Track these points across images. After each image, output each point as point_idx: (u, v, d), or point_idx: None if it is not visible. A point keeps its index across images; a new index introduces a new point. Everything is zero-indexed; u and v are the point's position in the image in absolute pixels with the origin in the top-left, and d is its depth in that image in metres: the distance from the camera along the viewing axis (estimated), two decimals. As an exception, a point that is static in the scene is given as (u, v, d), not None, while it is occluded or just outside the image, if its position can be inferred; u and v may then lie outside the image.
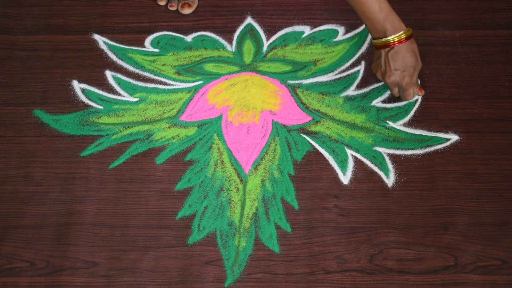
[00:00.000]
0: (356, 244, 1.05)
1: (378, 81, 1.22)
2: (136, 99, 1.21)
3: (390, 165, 1.13)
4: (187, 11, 1.29)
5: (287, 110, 1.19)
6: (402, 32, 1.10)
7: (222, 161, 1.14)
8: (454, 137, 1.15)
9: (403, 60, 1.12)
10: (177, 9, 1.30)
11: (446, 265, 1.03)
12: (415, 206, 1.09)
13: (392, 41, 1.11)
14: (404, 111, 1.18)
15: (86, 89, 1.22)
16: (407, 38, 1.11)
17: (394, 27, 1.10)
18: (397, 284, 1.02)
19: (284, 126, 1.17)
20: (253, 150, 1.15)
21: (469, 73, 1.23)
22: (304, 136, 1.16)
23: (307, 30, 1.28)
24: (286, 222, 1.08)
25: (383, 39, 1.11)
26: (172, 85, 1.22)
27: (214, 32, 1.28)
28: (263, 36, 1.28)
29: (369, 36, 1.27)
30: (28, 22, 1.31)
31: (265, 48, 1.26)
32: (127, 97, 1.21)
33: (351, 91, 1.21)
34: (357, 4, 1.10)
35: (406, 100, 1.17)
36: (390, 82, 1.14)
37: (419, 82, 1.17)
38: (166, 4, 1.31)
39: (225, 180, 1.12)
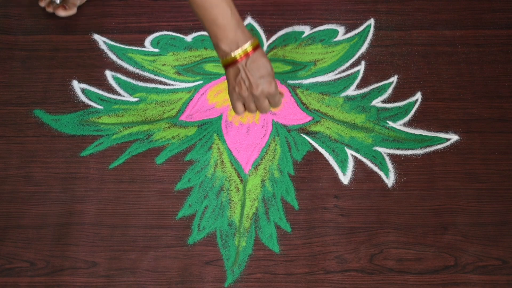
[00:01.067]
0: (356, 244, 1.05)
1: (378, 81, 1.22)
2: (136, 99, 1.21)
3: (390, 165, 1.13)
4: (61, 13, 1.29)
5: (287, 110, 1.19)
6: (248, 43, 0.97)
7: (222, 161, 1.14)
8: (454, 137, 1.15)
9: (265, 66, 0.99)
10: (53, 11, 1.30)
11: (446, 265, 1.03)
12: (415, 206, 1.09)
13: (249, 50, 0.97)
14: (404, 111, 1.18)
15: (86, 89, 1.22)
16: (254, 49, 0.98)
17: (245, 35, 0.98)
18: (397, 284, 1.02)
19: (284, 126, 1.17)
20: (253, 150, 1.15)
21: (469, 73, 1.23)
22: (304, 136, 1.16)
23: (307, 30, 1.29)
24: (286, 222, 1.08)
25: (239, 51, 0.97)
26: (172, 85, 1.22)
27: (214, 32, 1.28)
28: (263, 36, 1.28)
29: (369, 36, 1.27)
30: (28, 22, 1.31)
31: (265, 48, 1.26)
32: (127, 97, 1.21)
33: (351, 91, 1.21)
34: (206, 11, 0.96)
35: (275, 108, 1.06)
36: (260, 93, 1.00)
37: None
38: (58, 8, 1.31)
39: (225, 180, 1.12)
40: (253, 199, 1.10)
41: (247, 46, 0.97)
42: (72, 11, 1.30)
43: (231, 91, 1.02)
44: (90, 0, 1.33)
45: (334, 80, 1.22)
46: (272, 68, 1.00)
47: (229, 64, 0.99)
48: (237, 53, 0.97)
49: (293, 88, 1.21)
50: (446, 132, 1.16)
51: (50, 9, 1.30)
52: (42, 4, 1.31)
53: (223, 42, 0.97)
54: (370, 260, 1.04)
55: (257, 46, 0.99)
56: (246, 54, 0.97)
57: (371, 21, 1.29)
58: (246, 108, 1.04)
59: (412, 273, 1.03)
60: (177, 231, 1.07)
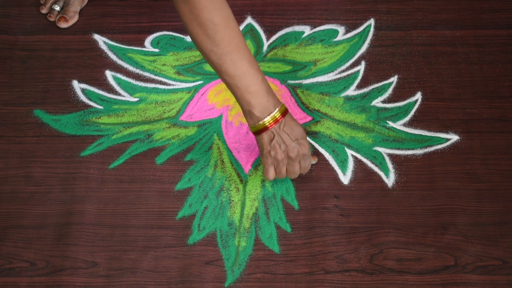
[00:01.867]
0: (356, 244, 1.05)
1: (378, 81, 1.22)
2: (136, 99, 1.21)
3: (390, 165, 1.13)
4: (63, 25, 1.29)
5: (287, 110, 1.19)
6: (276, 110, 0.99)
7: (222, 161, 1.14)
8: (454, 137, 1.15)
9: (298, 129, 1.01)
10: (55, 20, 1.30)
11: (446, 265, 1.03)
12: (415, 206, 1.09)
13: (278, 116, 0.99)
14: (404, 111, 1.18)
15: (86, 89, 1.22)
16: (283, 115, 1.00)
17: (275, 100, 1.00)
18: (397, 284, 1.02)
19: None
20: (253, 150, 1.15)
21: (469, 73, 1.23)
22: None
23: (307, 30, 1.29)
24: (286, 222, 1.08)
25: (274, 114, 0.99)
26: (172, 85, 1.22)
27: (214, 32, 1.28)
28: (263, 36, 1.28)
29: (369, 36, 1.27)
30: (28, 22, 1.31)
31: (265, 48, 1.26)
32: (127, 97, 1.21)
33: (351, 91, 1.21)
34: (239, 80, 0.97)
35: (304, 171, 1.06)
36: (296, 155, 1.02)
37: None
38: (52, 14, 1.31)
39: (225, 180, 1.12)
40: (253, 199, 1.10)
41: (276, 112, 0.99)
42: (74, 20, 1.30)
43: (265, 155, 1.02)
44: (90, 0, 1.33)
45: (334, 80, 1.22)
46: (304, 129, 1.03)
47: (262, 130, 1.00)
48: (269, 119, 0.99)
49: (293, 88, 1.21)
50: (446, 132, 1.16)
51: (52, 18, 1.30)
52: (43, 11, 1.31)
53: (256, 109, 0.98)
54: (370, 260, 1.04)
55: (286, 111, 1.01)
56: (276, 120, 0.99)
57: (371, 21, 1.29)
58: (277, 173, 1.05)
59: (412, 273, 1.03)
60: (177, 231, 1.07)
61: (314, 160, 1.10)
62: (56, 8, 1.30)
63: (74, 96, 1.21)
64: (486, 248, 1.04)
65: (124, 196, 1.10)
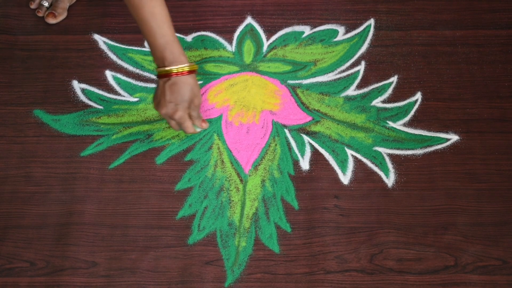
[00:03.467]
0: (356, 244, 1.05)
1: (378, 81, 1.22)
2: (136, 99, 1.21)
3: (390, 165, 1.13)
4: (51, 21, 1.29)
5: (287, 110, 1.19)
6: (186, 65, 1.04)
7: (222, 161, 1.14)
8: (454, 137, 1.15)
9: (179, 93, 1.05)
10: (43, 16, 1.30)
11: (446, 265, 1.03)
12: (415, 206, 1.09)
13: (170, 72, 1.04)
14: (404, 111, 1.18)
15: (86, 89, 1.22)
16: (189, 72, 1.05)
17: (174, 57, 1.04)
18: (397, 284, 1.02)
19: (284, 126, 1.17)
20: (253, 150, 1.15)
21: (469, 73, 1.23)
22: (304, 136, 1.16)
23: (307, 30, 1.29)
24: (286, 222, 1.08)
25: (166, 68, 1.04)
26: (172, 85, 1.22)
27: (214, 32, 1.28)
28: (263, 36, 1.28)
29: (369, 36, 1.27)
30: (28, 22, 1.31)
31: (265, 48, 1.26)
32: (127, 97, 1.21)
33: (351, 91, 1.21)
34: (142, 23, 1.04)
35: (187, 133, 1.11)
36: (163, 114, 1.07)
37: (201, 116, 1.11)
38: (42, 10, 1.31)
39: (225, 180, 1.12)
40: (253, 199, 1.10)
41: (172, 68, 1.04)
42: (62, 16, 1.30)
43: (153, 96, 1.09)
44: (79, 0, 1.32)
45: (334, 80, 1.22)
46: (190, 97, 1.06)
47: (158, 75, 1.06)
48: (161, 70, 1.05)
49: (293, 88, 1.21)
50: (446, 132, 1.16)
51: (40, 14, 1.30)
52: (32, 6, 1.31)
53: (153, 58, 1.06)
54: (370, 260, 1.04)
55: (189, 71, 1.05)
56: (167, 75, 1.05)
57: (371, 21, 1.29)
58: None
59: (412, 273, 1.03)
60: (177, 231, 1.07)
61: (205, 126, 1.11)
62: (45, 4, 1.30)
63: (74, 96, 1.21)
64: (486, 248, 1.04)
65: (124, 196, 1.10)
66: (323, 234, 1.06)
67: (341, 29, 1.29)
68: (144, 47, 1.27)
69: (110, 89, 1.22)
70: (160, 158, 1.14)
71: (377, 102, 1.19)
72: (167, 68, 1.04)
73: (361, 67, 1.24)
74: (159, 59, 1.05)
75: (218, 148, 1.15)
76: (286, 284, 1.02)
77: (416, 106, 1.19)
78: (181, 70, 1.04)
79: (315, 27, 1.29)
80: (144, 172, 1.13)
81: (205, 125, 1.10)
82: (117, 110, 1.19)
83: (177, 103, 1.05)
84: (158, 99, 1.07)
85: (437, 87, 1.21)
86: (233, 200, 1.10)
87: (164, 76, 1.05)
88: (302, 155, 1.13)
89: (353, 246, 1.05)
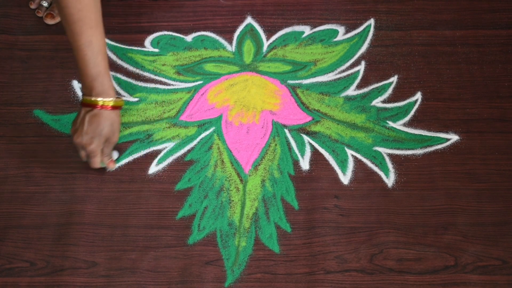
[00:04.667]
0: (356, 244, 1.05)
1: (378, 81, 1.22)
2: (136, 99, 1.21)
3: (390, 165, 1.13)
4: (49, 21, 1.29)
5: (287, 110, 1.19)
6: (112, 99, 1.06)
7: (222, 161, 1.14)
8: (454, 137, 1.15)
9: (98, 126, 1.06)
10: (42, 16, 1.30)
11: (446, 265, 1.03)
12: (415, 206, 1.09)
13: (95, 103, 1.05)
14: (404, 111, 1.18)
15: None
16: (113, 108, 1.07)
17: (103, 89, 1.05)
18: (397, 284, 1.02)
19: (284, 126, 1.17)
20: (253, 150, 1.15)
21: (469, 73, 1.23)
22: (304, 136, 1.16)
23: (307, 30, 1.29)
24: (286, 222, 1.08)
25: (92, 98, 1.05)
26: (172, 85, 1.22)
27: (214, 32, 1.28)
28: (263, 36, 1.28)
29: (369, 36, 1.27)
30: (28, 22, 1.31)
31: (265, 48, 1.26)
32: (127, 97, 1.21)
33: (351, 91, 1.21)
34: (77, 51, 1.04)
35: (91, 167, 1.10)
36: (77, 143, 1.07)
37: (114, 157, 1.12)
38: (42, 9, 1.31)
39: (225, 180, 1.12)
40: (253, 199, 1.10)
41: (98, 99, 1.06)
42: (59, 17, 1.30)
43: (73, 122, 1.09)
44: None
45: (334, 80, 1.22)
46: (108, 134, 1.07)
47: (82, 103, 1.07)
48: (86, 99, 1.06)
49: (293, 88, 1.21)
50: (446, 132, 1.16)
51: (40, 14, 1.30)
52: (32, 6, 1.31)
53: (82, 85, 1.07)
54: (370, 260, 1.04)
55: (113, 107, 1.07)
56: (91, 105, 1.06)
57: (371, 21, 1.29)
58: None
59: (412, 273, 1.03)
60: (177, 231, 1.07)
61: (111, 166, 1.11)
62: (44, 4, 1.30)
63: (74, 96, 1.21)
64: (486, 248, 1.04)
65: (124, 196, 1.10)
66: (323, 234, 1.06)
67: (341, 29, 1.29)
68: (144, 47, 1.27)
69: (110, 89, 1.22)
70: (160, 158, 1.14)
71: (377, 102, 1.19)
72: (92, 99, 1.05)
73: (361, 67, 1.24)
74: (87, 88, 1.06)
75: (218, 148, 1.15)
76: (286, 284, 1.02)
77: (416, 106, 1.19)
78: (106, 104, 1.06)
79: (315, 27, 1.29)
80: (144, 172, 1.13)
81: (111, 166, 1.11)
82: (117, 110, 1.19)
83: (93, 136, 1.06)
84: (76, 127, 1.07)
85: (437, 87, 1.21)
86: (233, 200, 1.10)
87: (88, 105, 1.06)
88: (302, 155, 1.14)
89: (353, 246, 1.05)
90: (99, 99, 1.06)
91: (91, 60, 1.04)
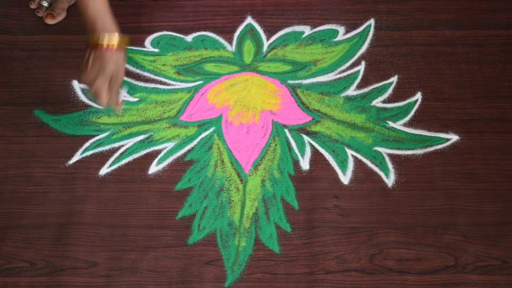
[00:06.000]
0: (356, 244, 1.05)
1: (378, 81, 1.22)
2: (136, 99, 1.21)
3: (390, 165, 1.13)
4: (49, 21, 1.29)
5: (287, 110, 1.19)
6: (116, 34, 1.07)
7: (222, 161, 1.14)
8: (454, 137, 1.15)
9: (101, 65, 1.06)
10: (43, 16, 1.30)
11: (446, 265, 1.03)
12: (415, 206, 1.09)
13: (101, 42, 1.06)
14: (404, 111, 1.18)
15: (86, 89, 1.22)
16: (118, 49, 1.07)
17: (105, 27, 1.06)
18: (397, 284, 1.02)
19: (284, 126, 1.17)
20: (253, 150, 1.15)
21: (469, 73, 1.23)
22: (304, 136, 1.16)
23: (307, 30, 1.29)
24: (286, 222, 1.08)
25: (96, 36, 1.06)
26: (172, 85, 1.22)
27: (214, 32, 1.28)
28: (263, 36, 1.28)
29: (369, 36, 1.27)
30: (28, 22, 1.31)
31: (265, 48, 1.26)
32: (127, 97, 1.21)
33: (351, 91, 1.21)
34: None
35: (100, 105, 1.11)
36: (84, 80, 1.08)
37: (122, 96, 1.12)
38: (43, 9, 1.31)
39: (225, 180, 1.12)
40: (253, 199, 1.10)
41: (103, 39, 1.06)
42: (61, 16, 1.30)
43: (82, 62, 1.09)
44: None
45: (334, 80, 1.22)
46: (112, 71, 1.06)
47: (88, 44, 1.07)
48: (93, 40, 1.06)
49: (293, 88, 1.21)
50: (446, 132, 1.16)
51: (40, 14, 1.30)
52: (32, 6, 1.31)
53: (85, 26, 1.08)
54: (370, 260, 1.04)
55: (118, 46, 1.07)
56: (97, 45, 1.06)
57: (371, 21, 1.29)
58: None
59: (412, 273, 1.03)
60: (177, 231, 1.07)
61: (117, 107, 1.12)
62: (44, 4, 1.30)
63: (74, 96, 1.21)
64: (486, 248, 1.04)
65: (124, 196, 1.10)
66: (323, 234, 1.06)
67: (341, 29, 1.29)
68: (144, 47, 1.27)
69: (110, 89, 1.22)
70: (160, 158, 1.14)
71: (377, 102, 1.19)
72: (97, 37, 1.06)
73: (361, 67, 1.24)
74: (91, 29, 1.06)
75: (218, 148, 1.15)
76: (286, 284, 1.02)
77: (416, 106, 1.19)
78: (111, 42, 1.06)
79: (315, 27, 1.29)
80: (144, 172, 1.13)
81: (118, 107, 1.12)
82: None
83: (97, 74, 1.06)
84: (82, 65, 1.08)
85: (437, 87, 1.21)
86: (233, 200, 1.10)
87: (94, 46, 1.06)
88: (302, 155, 1.14)
89: (353, 246, 1.05)
90: (105, 39, 1.06)
91: (91, 1, 1.05)
